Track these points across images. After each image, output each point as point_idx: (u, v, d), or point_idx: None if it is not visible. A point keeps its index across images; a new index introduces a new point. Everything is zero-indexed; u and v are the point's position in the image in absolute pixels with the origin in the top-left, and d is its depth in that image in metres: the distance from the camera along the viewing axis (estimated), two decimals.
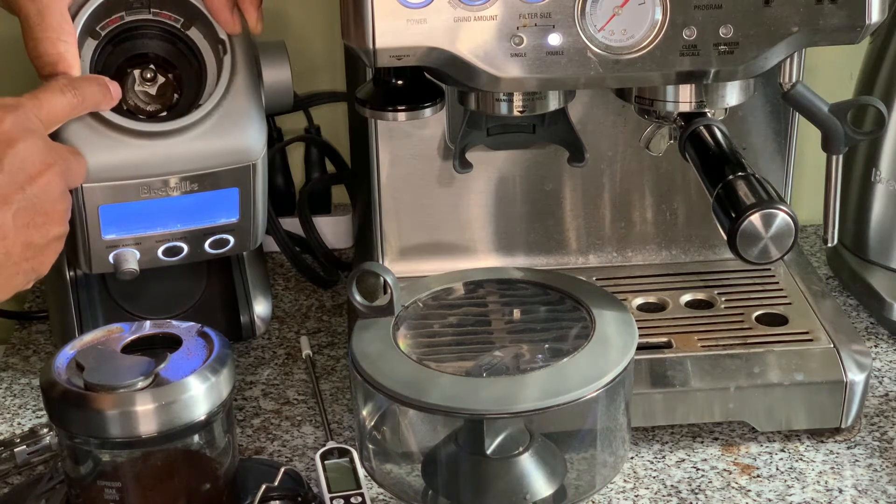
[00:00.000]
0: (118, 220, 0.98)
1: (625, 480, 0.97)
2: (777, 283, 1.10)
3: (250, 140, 0.98)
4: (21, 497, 0.91)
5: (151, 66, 0.98)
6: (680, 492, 0.96)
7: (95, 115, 0.94)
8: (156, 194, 0.97)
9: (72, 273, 1.10)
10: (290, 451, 1.02)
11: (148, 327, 0.88)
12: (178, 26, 0.98)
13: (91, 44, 0.96)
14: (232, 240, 1.02)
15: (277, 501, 0.88)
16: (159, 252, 1.00)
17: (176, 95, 0.99)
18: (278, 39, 1.03)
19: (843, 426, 1.01)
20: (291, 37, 1.24)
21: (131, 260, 0.99)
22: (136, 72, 0.98)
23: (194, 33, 0.98)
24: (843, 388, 0.99)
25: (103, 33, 0.97)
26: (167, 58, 0.99)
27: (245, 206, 1.00)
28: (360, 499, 0.91)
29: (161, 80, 0.98)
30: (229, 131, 0.97)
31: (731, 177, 0.90)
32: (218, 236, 1.01)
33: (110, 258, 0.99)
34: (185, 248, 1.01)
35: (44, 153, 0.84)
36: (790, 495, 0.96)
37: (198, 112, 0.96)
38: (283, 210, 1.32)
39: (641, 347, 0.94)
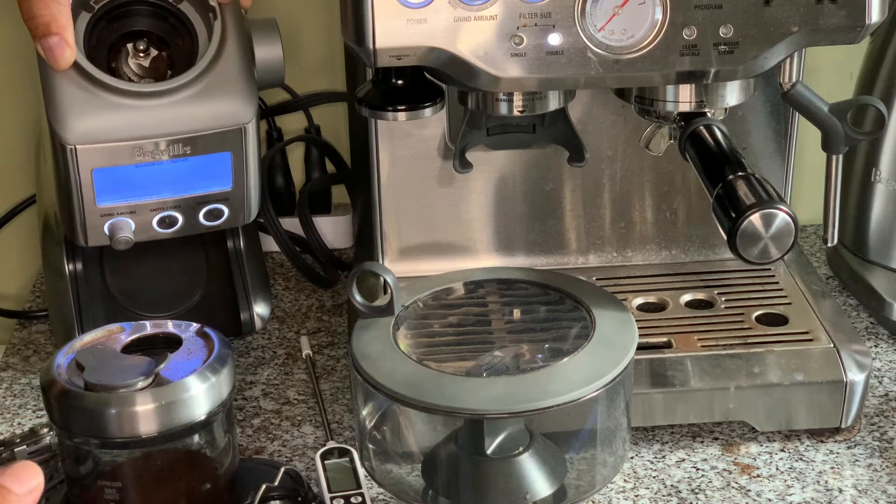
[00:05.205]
0: (112, 186, 0.98)
1: (625, 480, 0.97)
2: (777, 283, 1.10)
3: (240, 102, 0.99)
4: None
5: (144, 38, 0.99)
6: (680, 492, 0.96)
7: (88, 76, 0.95)
8: (149, 157, 0.97)
9: (71, 269, 1.10)
10: (290, 451, 1.02)
11: (148, 327, 0.88)
12: (171, 0, 0.99)
13: (85, 17, 0.97)
14: (226, 210, 1.02)
15: (277, 501, 0.88)
16: (154, 223, 1.01)
17: (169, 72, 1.00)
18: (269, 17, 1.04)
19: (843, 426, 1.01)
20: (291, 36, 1.24)
21: (126, 229, 1.00)
22: (130, 45, 0.99)
23: (186, 7, 0.99)
24: (843, 387, 0.99)
25: (97, 7, 0.97)
26: (160, 34, 1.00)
27: (238, 173, 1.01)
28: (360, 499, 0.91)
29: (154, 52, 0.99)
30: (219, 93, 0.98)
31: (731, 177, 0.90)
32: (212, 206, 1.02)
33: (105, 228, 1.00)
34: (180, 218, 1.01)
35: None
36: (790, 495, 0.95)
37: (188, 73, 0.97)
38: (283, 210, 1.32)
39: (641, 347, 0.94)
